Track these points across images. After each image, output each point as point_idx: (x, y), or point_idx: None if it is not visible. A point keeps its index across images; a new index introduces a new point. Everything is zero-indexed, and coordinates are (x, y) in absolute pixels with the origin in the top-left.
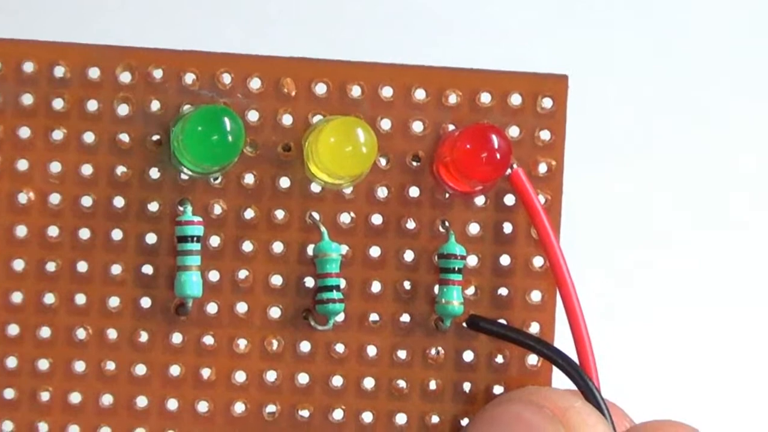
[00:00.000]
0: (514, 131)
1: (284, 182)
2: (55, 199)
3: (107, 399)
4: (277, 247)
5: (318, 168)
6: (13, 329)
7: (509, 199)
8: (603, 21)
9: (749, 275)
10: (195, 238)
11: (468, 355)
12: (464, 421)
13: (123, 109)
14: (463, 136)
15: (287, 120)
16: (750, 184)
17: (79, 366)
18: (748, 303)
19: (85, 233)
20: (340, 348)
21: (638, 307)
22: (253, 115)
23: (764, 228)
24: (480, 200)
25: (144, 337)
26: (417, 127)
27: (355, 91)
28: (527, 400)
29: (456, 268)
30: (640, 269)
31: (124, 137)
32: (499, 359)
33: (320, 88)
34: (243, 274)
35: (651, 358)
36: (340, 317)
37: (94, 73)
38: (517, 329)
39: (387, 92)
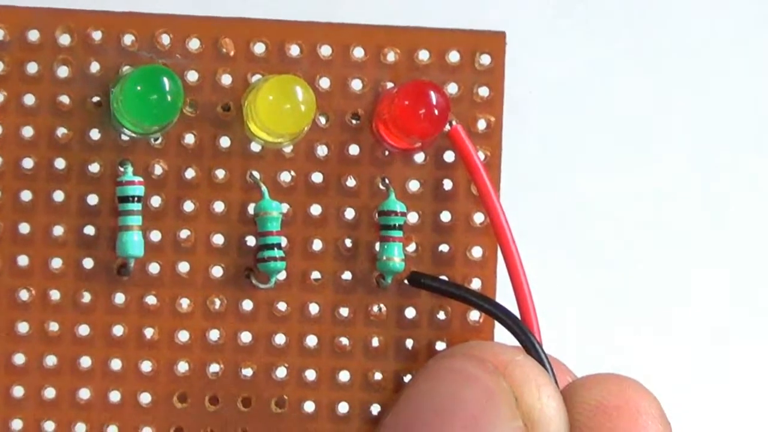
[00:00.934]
0: (452, 88)
1: (224, 142)
2: None
3: (51, 360)
4: (218, 206)
5: (257, 127)
6: None
7: (449, 156)
8: None
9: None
10: (136, 198)
11: (410, 312)
12: (407, 378)
13: (63, 71)
14: (401, 93)
15: (226, 80)
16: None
17: (23, 327)
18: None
19: (26, 195)
20: (282, 306)
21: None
22: (192, 76)
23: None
24: (419, 157)
25: (87, 297)
26: (356, 85)
27: (294, 50)
28: (469, 354)
29: (396, 225)
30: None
31: (65, 99)
32: (441, 315)
33: (259, 48)
34: (184, 233)
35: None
36: (282, 275)
37: (33, 35)
38: (459, 285)
39: (325, 51)
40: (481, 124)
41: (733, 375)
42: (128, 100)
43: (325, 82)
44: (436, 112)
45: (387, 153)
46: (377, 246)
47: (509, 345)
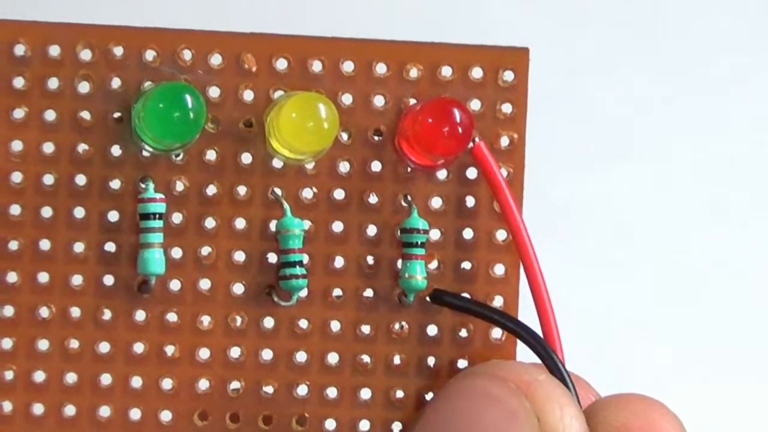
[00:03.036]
0: (475, 105)
1: (246, 158)
2: (16, 177)
3: (71, 377)
4: (240, 223)
5: (279, 144)
6: None
7: (471, 173)
8: None
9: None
10: (157, 216)
11: (432, 330)
12: (428, 396)
13: (84, 87)
14: (425, 110)
15: (248, 96)
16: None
17: (43, 344)
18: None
19: (47, 212)
20: (303, 324)
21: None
22: (214, 92)
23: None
24: (442, 174)
25: (107, 315)
26: (378, 101)
27: (316, 66)
28: (491, 373)
29: (419, 243)
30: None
31: (86, 115)
32: (463, 333)
33: (281, 64)
34: (206, 250)
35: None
36: (304, 293)
37: (54, 51)
38: (481, 303)
39: (348, 67)
40: (504, 141)
41: (744, 376)
42: (150, 118)
43: (347, 99)
44: (460, 130)
45: (409, 170)
46: (399, 263)
47: (531, 364)
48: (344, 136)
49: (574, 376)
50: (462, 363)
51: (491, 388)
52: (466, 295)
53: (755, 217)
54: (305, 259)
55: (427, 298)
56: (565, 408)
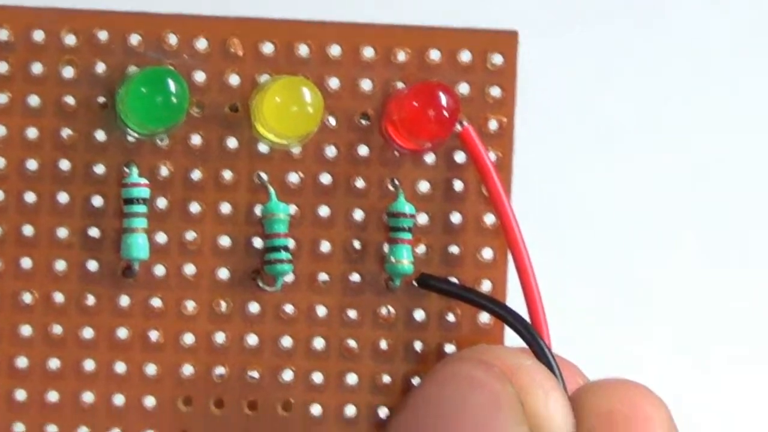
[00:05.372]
0: (464, 88)
1: (232, 143)
2: None
3: (54, 363)
4: (225, 208)
5: (264, 128)
6: None
7: (460, 157)
8: None
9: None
10: (141, 200)
11: (419, 314)
12: (415, 381)
13: (68, 72)
14: (411, 94)
15: (234, 80)
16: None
17: (26, 330)
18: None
19: (30, 197)
20: (289, 309)
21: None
22: (199, 76)
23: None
24: (430, 158)
25: (91, 300)
26: (365, 85)
27: (303, 51)
28: (477, 358)
29: (405, 227)
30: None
31: (70, 100)
32: (451, 318)
33: (267, 48)
34: (190, 235)
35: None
36: (289, 278)
37: (38, 35)
38: (468, 287)
39: (335, 51)
40: (493, 125)
41: (740, 376)
42: (133, 103)
43: (334, 83)
44: (446, 114)
45: (396, 154)
46: (386, 248)
47: (518, 349)
48: (331, 121)
49: (563, 361)
50: (449, 348)
51: (476, 372)
52: (453, 279)
53: (754, 217)
54: (291, 243)
55: (414, 283)
56: (549, 393)
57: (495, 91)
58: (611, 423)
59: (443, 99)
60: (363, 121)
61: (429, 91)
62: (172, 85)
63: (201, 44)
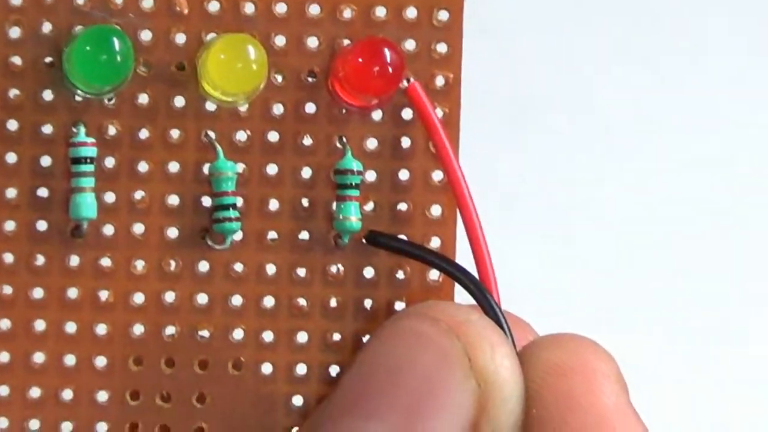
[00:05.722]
0: (410, 45)
1: (179, 101)
2: None
3: (4, 324)
4: (173, 166)
5: (210, 86)
6: None
7: (407, 114)
8: None
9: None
10: (88, 160)
11: (368, 272)
12: (366, 338)
13: (14, 32)
14: (355, 50)
15: (180, 39)
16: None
17: None
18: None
19: None
20: (238, 267)
21: None
22: (146, 35)
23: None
24: (377, 115)
25: (40, 260)
26: (312, 42)
27: (249, 8)
28: (423, 314)
29: (353, 184)
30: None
31: (16, 60)
32: (400, 275)
33: (213, 6)
34: (139, 194)
35: None
36: (238, 236)
37: None
38: (417, 244)
39: (281, 8)
40: (440, 81)
41: (736, 375)
42: (77, 61)
43: (280, 40)
44: (390, 69)
45: (344, 111)
46: (334, 206)
47: (466, 305)
48: (278, 78)
49: (513, 318)
50: (399, 305)
51: (423, 328)
52: (402, 236)
53: (753, 216)
54: (239, 202)
55: (363, 240)
56: (496, 348)
57: (441, 47)
58: (558, 375)
59: (387, 55)
60: (310, 79)
61: (373, 47)
62: (116, 44)
63: (147, 3)
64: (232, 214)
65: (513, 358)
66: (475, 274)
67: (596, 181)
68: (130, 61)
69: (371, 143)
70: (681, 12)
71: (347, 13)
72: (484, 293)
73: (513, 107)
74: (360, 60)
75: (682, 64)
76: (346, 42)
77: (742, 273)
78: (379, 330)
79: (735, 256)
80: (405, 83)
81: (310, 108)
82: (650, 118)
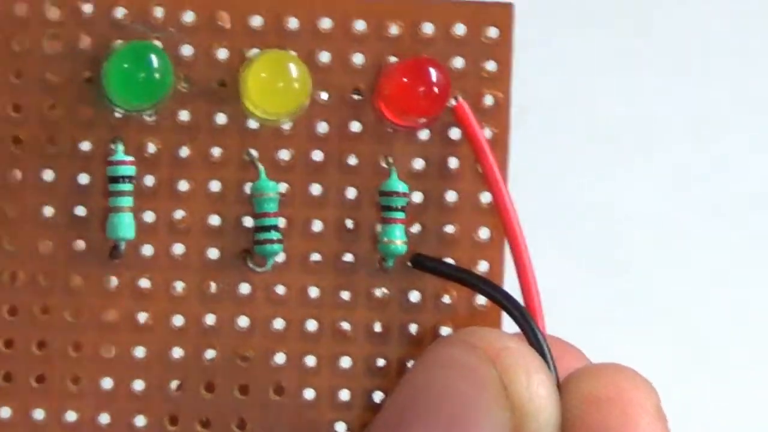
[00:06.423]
0: (458, 63)
1: (220, 119)
2: None
3: (40, 347)
4: (215, 185)
5: (251, 104)
6: None
7: (455, 133)
8: None
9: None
10: (127, 179)
11: (414, 296)
12: (410, 363)
13: (52, 47)
14: (401, 69)
15: (222, 54)
16: None
17: (9, 312)
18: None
19: (15, 175)
20: (280, 290)
21: None
22: (186, 50)
23: None
24: (424, 135)
25: (78, 281)
26: (357, 59)
27: (292, 24)
28: (462, 341)
29: (398, 206)
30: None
31: (54, 76)
32: (446, 299)
33: (256, 21)
34: (179, 214)
35: None
36: (280, 258)
37: (20, 10)
38: (462, 268)
39: (325, 24)
40: (488, 100)
41: (741, 379)
42: (115, 79)
43: (325, 57)
44: (436, 90)
45: (390, 130)
46: (378, 227)
47: (508, 333)
48: (323, 96)
49: (564, 346)
50: (445, 330)
51: (461, 355)
52: (448, 259)
53: (753, 218)
54: (281, 222)
55: (408, 263)
56: (532, 376)
57: (490, 65)
58: (593, 406)
59: (433, 74)
60: (355, 97)
61: (419, 66)
62: (154, 61)
63: (188, 17)
64: (274, 235)
65: (550, 386)
66: (521, 300)
67: (596, 182)
68: (169, 77)
69: (418, 163)
70: (682, 14)
71: (393, 30)
72: (528, 320)
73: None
74: (405, 80)
75: (683, 65)
76: (393, 59)
77: (742, 272)
78: (419, 357)
79: (734, 256)
80: (453, 102)
81: (356, 126)
82: (651, 120)
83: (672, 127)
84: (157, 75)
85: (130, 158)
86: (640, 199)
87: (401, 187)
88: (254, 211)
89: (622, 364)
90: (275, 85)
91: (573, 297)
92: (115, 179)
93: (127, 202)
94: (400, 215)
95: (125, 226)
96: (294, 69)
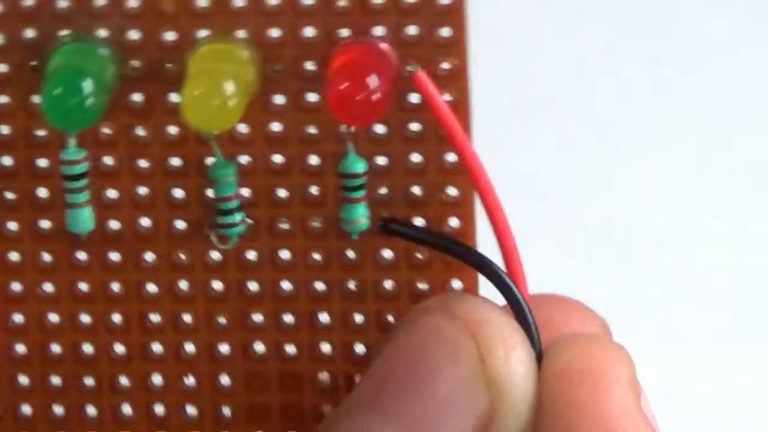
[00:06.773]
0: (412, 31)
1: (174, 98)
2: None
3: (18, 318)
4: (175, 162)
5: (187, 121)
6: None
7: (415, 98)
8: None
9: None
10: (81, 176)
11: (387, 253)
12: (389, 317)
13: None
14: (339, 74)
15: (170, 36)
16: None
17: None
18: None
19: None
20: (251, 255)
21: None
22: (134, 35)
23: None
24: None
25: (47, 258)
26: (308, 33)
27: (239, 1)
28: (444, 309)
29: (357, 185)
30: None
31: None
32: (420, 255)
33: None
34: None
35: None
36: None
37: None
38: (434, 231)
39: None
40: (445, 67)
41: (738, 376)
42: (47, 104)
43: (275, 33)
44: (376, 96)
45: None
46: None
47: (490, 301)
48: (276, 68)
49: (573, 306)
50: (422, 285)
51: (441, 325)
52: (419, 220)
53: (754, 216)
54: (246, 192)
55: (379, 226)
56: (511, 351)
57: (445, 32)
58: (566, 380)
59: (372, 81)
60: (309, 68)
61: (355, 72)
62: (86, 87)
63: (132, 2)
64: (237, 218)
65: (528, 362)
66: (500, 261)
67: (596, 180)
68: (104, 99)
69: (379, 128)
70: (683, 13)
71: (342, 2)
72: (509, 285)
73: (512, 107)
74: (342, 87)
75: (684, 64)
76: (344, 32)
77: (743, 273)
78: (400, 321)
79: (735, 256)
80: (410, 69)
81: (312, 98)
82: (652, 118)
83: (672, 127)
84: (89, 101)
85: (83, 154)
86: (640, 199)
87: (360, 166)
88: (215, 195)
89: (596, 335)
90: (210, 103)
91: (573, 296)
92: (70, 178)
93: (84, 197)
94: (361, 193)
95: (85, 221)
96: (229, 87)
